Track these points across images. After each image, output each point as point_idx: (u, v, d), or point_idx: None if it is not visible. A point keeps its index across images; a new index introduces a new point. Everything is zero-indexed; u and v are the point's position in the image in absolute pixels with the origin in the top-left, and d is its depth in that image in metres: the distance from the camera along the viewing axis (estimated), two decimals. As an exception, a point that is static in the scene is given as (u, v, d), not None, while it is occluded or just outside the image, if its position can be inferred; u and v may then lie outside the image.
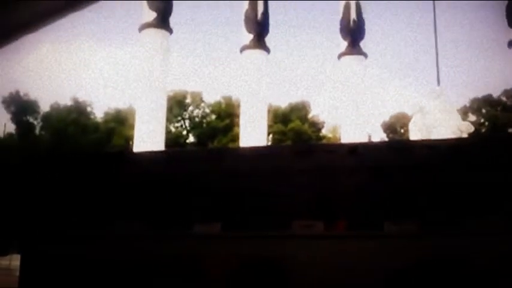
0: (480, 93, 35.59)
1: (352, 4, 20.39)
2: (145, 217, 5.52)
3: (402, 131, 33.77)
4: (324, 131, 36.06)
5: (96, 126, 34.23)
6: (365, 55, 20.53)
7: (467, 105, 34.71)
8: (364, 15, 20.53)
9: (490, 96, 34.90)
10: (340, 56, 20.57)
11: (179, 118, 36.02)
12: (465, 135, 19.99)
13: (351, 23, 20.16)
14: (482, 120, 34.53)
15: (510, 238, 4.19)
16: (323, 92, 57.55)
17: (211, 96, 37.73)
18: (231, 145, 29.21)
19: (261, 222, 5.19)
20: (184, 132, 36.34)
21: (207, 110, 37.00)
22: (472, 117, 33.88)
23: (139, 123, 18.52)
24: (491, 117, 33.84)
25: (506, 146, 7.36)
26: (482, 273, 4.01)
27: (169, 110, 26.82)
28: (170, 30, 19.62)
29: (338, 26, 20.51)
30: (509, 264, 4.03)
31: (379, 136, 34.47)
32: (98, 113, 35.89)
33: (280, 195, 6.30)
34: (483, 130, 33.43)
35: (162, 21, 19.15)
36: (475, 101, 34.95)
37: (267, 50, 20.17)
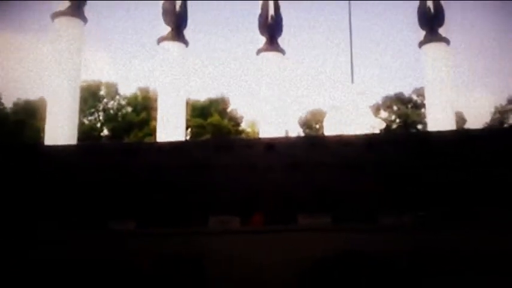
0: (392, 91, 37.25)
1: (271, 3, 20.59)
2: (57, 214, 5.27)
3: (318, 126, 34.62)
4: (243, 126, 36.20)
5: (5, 117, 32.26)
6: (283, 52, 20.80)
7: (380, 102, 36.17)
8: (283, 14, 20.79)
9: (401, 94, 36.58)
10: (258, 52, 20.71)
11: (93, 110, 34.74)
12: (377, 131, 20.81)
13: (269, 19, 20.36)
14: (393, 117, 36.13)
15: (420, 234, 4.39)
16: (242, 87, 57.93)
17: (128, 89, 36.74)
18: (147, 139, 28.61)
19: (177, 218, 5.11)
20: (99, 125, 35.11)
21: (123, 102, 35.95)
22: (384, 114, 35.41)
23: (51, 115, 17.66)
24: (402, 114, 35.47)
25: (416, 143, 7.73)
26: (393, 268, 4.17)
27: (83, 101, 25.81)
28: (84, 19, 18.85)
29: (257, 23, 20.64)
30: (419, 258, 4.22)
31: (297, 132, 35.20)
32: (7, 104, 33.81)
33: (197, 190, 6.24)
34: (394, 127, 35.01)
35: (76, 9, 18.35)
36: (387, 98, 36.47)
37: (186, 42, 19.91)
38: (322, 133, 26.48)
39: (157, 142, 16.83)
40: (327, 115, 23.48)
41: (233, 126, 34.43)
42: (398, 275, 4.17)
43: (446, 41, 22.84)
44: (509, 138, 7.65)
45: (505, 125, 32.86)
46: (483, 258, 4.33)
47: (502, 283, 4.12)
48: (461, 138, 7.79)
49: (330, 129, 21.71)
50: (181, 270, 4.45)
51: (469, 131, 18.73)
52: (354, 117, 21.51)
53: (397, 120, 35.78)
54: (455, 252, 4.29)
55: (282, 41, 20.70)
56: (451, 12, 23.10)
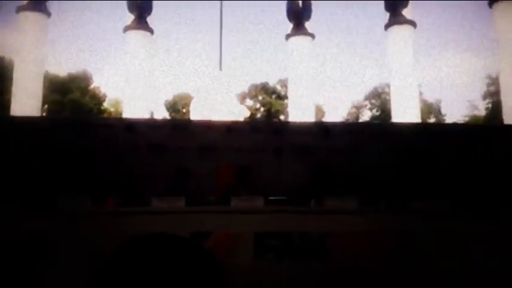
0: (258, 81, 38.25)
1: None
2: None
3: (184, 110, 34.48)
4: (105, 105, 34.79)
5: None
6: (151, 31, 20.36)
7: (246, 91, 36.99)
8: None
9: (266, 84, 37.71)
10: (126, 29, 20.04)
11: None
12: (241, 119, 21.28)
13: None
14: (258, 106, 37.18)
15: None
16: (108, 64, 55.65)
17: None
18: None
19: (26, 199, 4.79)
20: None
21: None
22: (250, 103, 36.28)
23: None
24: (267, 103, 36.63)
25: (272, 131, 8.02)
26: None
27: None
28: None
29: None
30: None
31: (162, 114, 34.69)
32: None
33: (49, 171, 5.91)
34: (258, 115, 36.06)
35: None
36: (252, 87, 37.40)
37: (48, 13, 18.72)
38: (188, 117, 26.41)
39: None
40: (194, 100, 23.44)
41: (95, 104, 32.93)
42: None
43: (311, 35, 23.97)
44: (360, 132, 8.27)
45: (360, 120, 35.42)
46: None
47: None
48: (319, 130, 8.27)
49: (196, 114, 21.72)
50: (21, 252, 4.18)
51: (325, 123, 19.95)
52: (220, 104, 21.74)
53: (262, 109, 36.87)
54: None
55: (150, 20, 20.24)
56: (319, 10, 24.33)
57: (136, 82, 19.62)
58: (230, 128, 8.34)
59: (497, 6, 20.40)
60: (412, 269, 4.24)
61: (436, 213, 4.56)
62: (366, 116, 36.44)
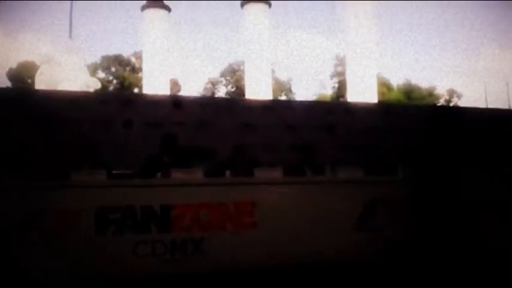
0: (112, 52, 36.73)
1: None
2: None
3: (30, 81, 31.98)
4: None
5: None
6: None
7: (98, 62, 35.35)
8: None
9: (120, 55, 36.35)
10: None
11: None
12: (91, 91, 20.33)
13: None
14: (111, 78, 35.75)
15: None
16: None
17: None
18: None
19: None
20: None
21: None
22: (102, 75, 34.77)
23: None
24: (120, 76, 35.39)
25: (122, 103, 7.79)
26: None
27: None
28: None
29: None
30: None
31: (5, 84, 31.78)
32: None
33: None
34: (111, 88, 34.70)
35: None
36: (105, 58, 35.83)
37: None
38: (33, 88, 24.57)
39: None
40: (40, 69, 21.87)
41: None
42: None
43: (167, 8, 23.58)
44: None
45: (216, 95, 35.76)
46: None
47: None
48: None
49: (42, 84, 20.33)
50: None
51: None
52: (69, 74, 20.59)
53: (114, 82, 35.57)
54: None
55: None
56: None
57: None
58: (76, 99, 7.92)
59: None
60: (246, 235, 4.48)
61: (275, 182, 4.81)
62: (221, 92, 36.96)
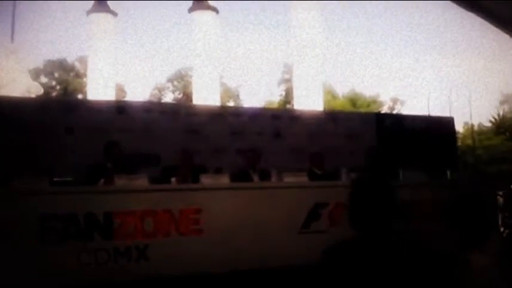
0: (55, 57, 35.66)
1: None
2: None
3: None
4: None
5: None
6: None
7: (41, 67, 34.26)
8: None
9: (64, 60, 35.32)
10: None
11: None
12: (33, 96, 19.72)
13: None
14: (54, 83, 34.72)
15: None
16: None
17: None
18: None
19: None
20: None
21: None
22: (44, 80, 33.73)
23: None
24: (64, 81, 34.41)
25: (63, 109, 7.61)
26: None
27: None
28: None
29: None
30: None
31: None
32: None
33: None
34: (54, 93, 33.71)
35: None
36: (48, 63, 34.77)
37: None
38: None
39: None
40: (-22, 73, 21.00)
41: None
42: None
43: (112, 13, 23.20)
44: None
45: (162, 101, 35.37)
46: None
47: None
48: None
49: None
50: None
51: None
52: (10, 79, 19.90)
53: (58, 87, 34.57)
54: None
55: None
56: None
57: None
58: (17, 105, 7.67)
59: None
60: (192, 241, 4.50)
61: (221, 188, 4.84)
62: (168, 97, 36.55)
